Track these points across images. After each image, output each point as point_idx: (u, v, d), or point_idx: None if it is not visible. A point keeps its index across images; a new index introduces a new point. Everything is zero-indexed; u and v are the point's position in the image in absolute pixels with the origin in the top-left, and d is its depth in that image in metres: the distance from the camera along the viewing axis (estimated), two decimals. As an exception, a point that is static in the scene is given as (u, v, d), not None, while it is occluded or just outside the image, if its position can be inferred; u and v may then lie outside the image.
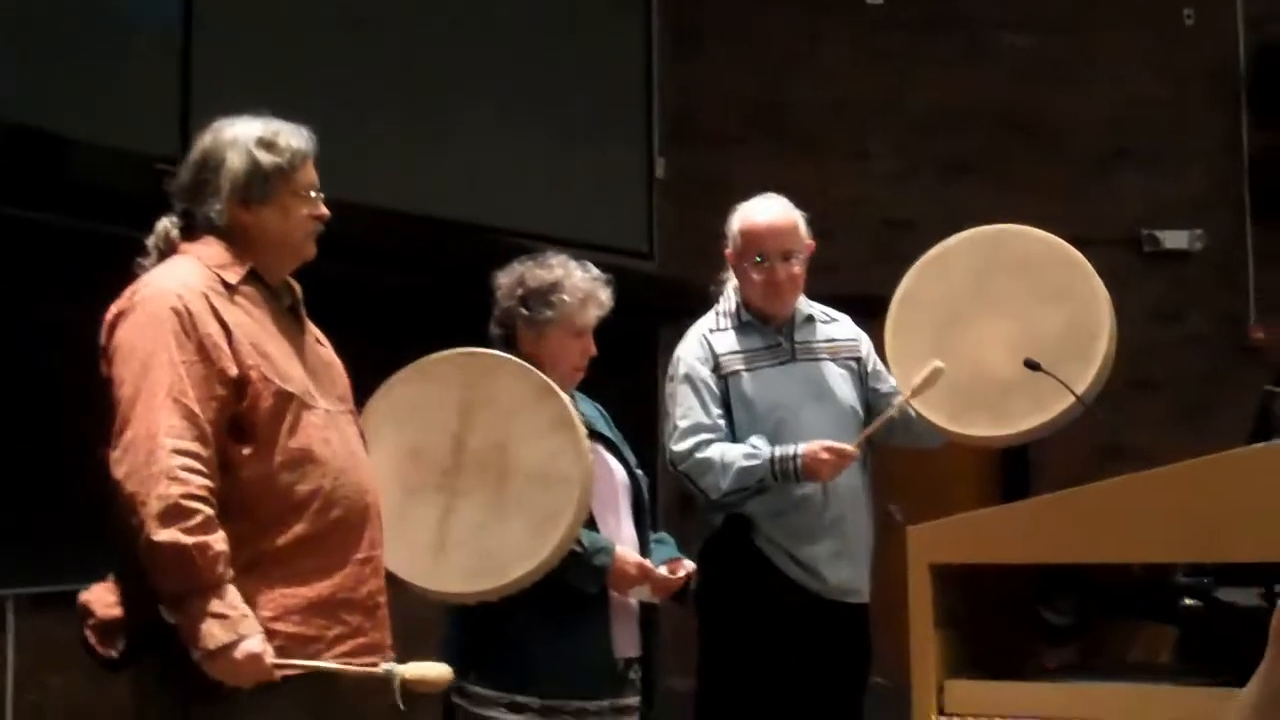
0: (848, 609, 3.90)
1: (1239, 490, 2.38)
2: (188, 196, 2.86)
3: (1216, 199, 7.78)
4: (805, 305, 4.06)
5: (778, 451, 3.77)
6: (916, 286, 3.84)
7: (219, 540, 2.57)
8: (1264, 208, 7.69)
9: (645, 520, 3.64)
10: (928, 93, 7.88)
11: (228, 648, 2.54)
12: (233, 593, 2.58)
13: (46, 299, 4.63)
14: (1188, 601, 2.66)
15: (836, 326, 4.09)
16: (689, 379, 3.92)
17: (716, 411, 3.88)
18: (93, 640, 2.68)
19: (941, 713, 2.51)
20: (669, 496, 6.00)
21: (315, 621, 2.72)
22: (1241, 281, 7.71)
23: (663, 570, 3.50)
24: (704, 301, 4.26)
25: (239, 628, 2.56)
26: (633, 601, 3.51)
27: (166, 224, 2.88)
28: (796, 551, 3.84)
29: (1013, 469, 7.50)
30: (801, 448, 3.74)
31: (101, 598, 2.71)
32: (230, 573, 2.58)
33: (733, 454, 3.80)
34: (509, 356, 3.33)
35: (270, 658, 2.59)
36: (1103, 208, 7.72)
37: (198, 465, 2.58)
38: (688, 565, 3.56)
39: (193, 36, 5.13)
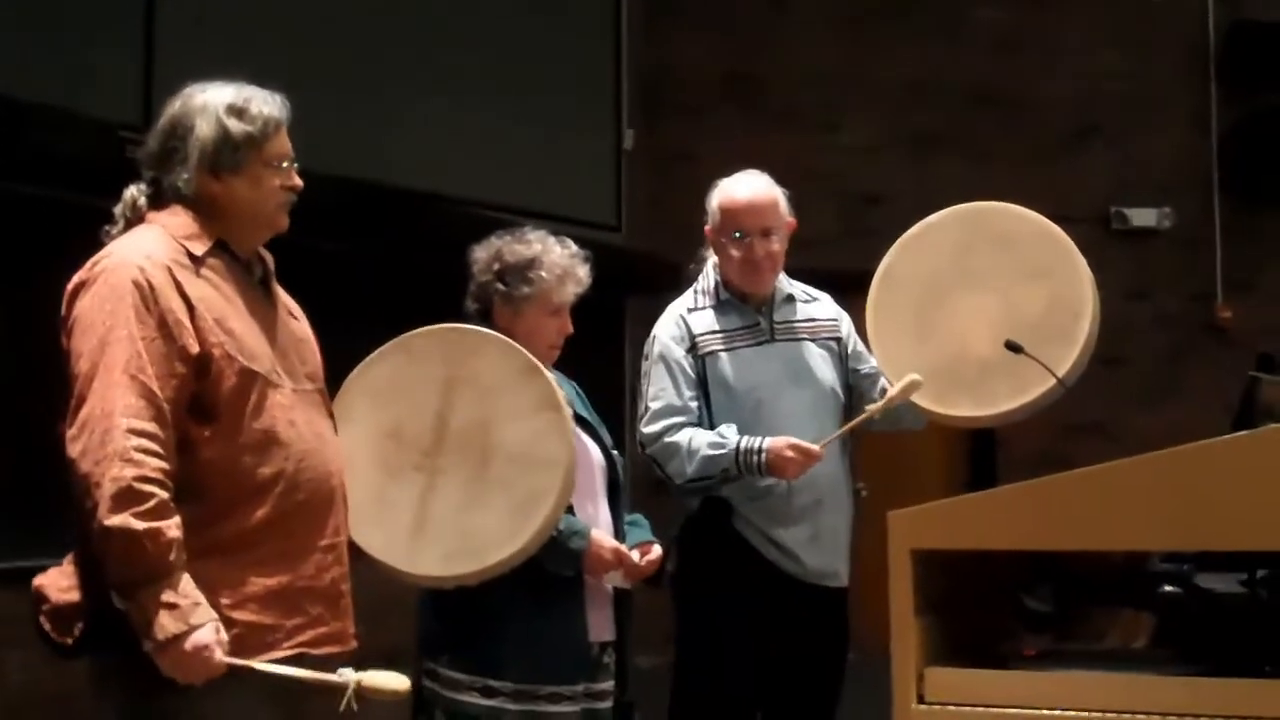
0: (826, 592, 3.85)
1: (1223, 478, 2.35)
2: (155, 164, 2.76)
3: (1185, 176, 7.79)
4: (786, 284, 3.99)
5: (744, 444, 3.70)
6: (898, 263, 3.78)
7: (172, 526, 2.48)
8: (1232, 185, 7.71)
9: (620, 502, 3.60)
10: (899, 67, 7.86)
11: (178, 639, 2.46)
12: (185, 581, 2.50)
13: (5, 269, 4.56)
14: (1167, 588, 2.64)
15: (817, 306, 4.02)
16: (663, 359, 3.86)
17: (689, 394, 3.83)
18: (47, 626, 2.59)
19: (921, 700, 2.48)
20: (641, 476, 5.96)
21: (275, 610, 2.65)
22: (1209, 259, 7.73)
23: (635, 554, 3.47)
24: (672, 275, 4.22)
25: (190, 617, 2.48)
26: (608, 585, 3.48)
27: (134, 192, 2.78)
28: (773, 534, 3.79)
29: (980, 445, 7.52)
30: (767, 443, 3.68)
31: (56, 582, 2.62)
32: (183, 559, 2.49)
33: (700, 441, 3.75)
34: (493, 333, 3.26)
35: (222, 652, 2.51)
36: (1072, 184, 7.72)
37: (154, 446, 2.50)
38: (657, 550, 3.52)
39: (156, 4, 5.06)
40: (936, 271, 3.70)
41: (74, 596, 2.58)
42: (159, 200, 2.76)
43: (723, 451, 3.71)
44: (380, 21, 6.10)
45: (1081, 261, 3.61)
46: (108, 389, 2.51)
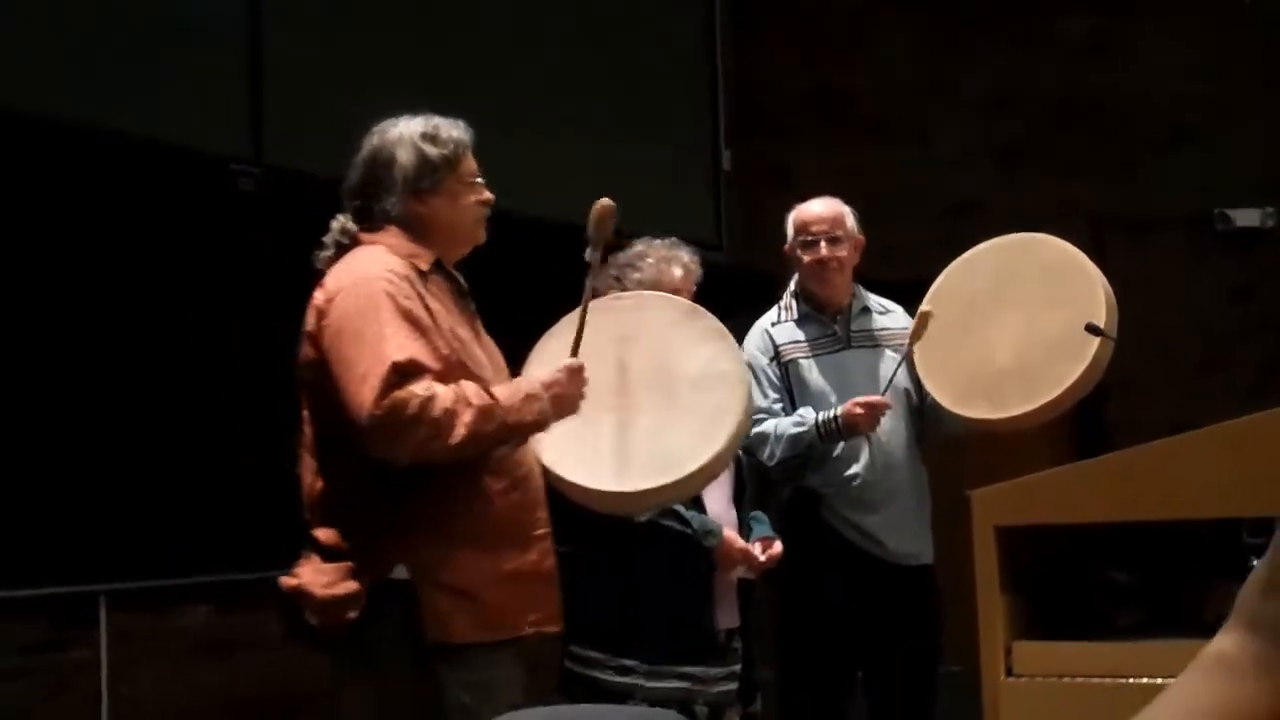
0: (910, 571, 4.26)
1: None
2: (361, 194, 3.07)
3: (1285, 174, 7.69)
4: (861, 296, 4.43)
5: (821, 417, 4.14)
6: (948, 281, 4.19)
7: (478, 394, 2.81)
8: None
9: (745, 500, 3.95)
10: (986, 76, 7.85)
11: (548, 407, 2.92)
12: (510, 391, 2.89)
13: (129, 299, 4.73)
14: (1255, 561, 2.67)
15: (890, 317, 4.45)
16: (750, 368, 4.19)
17: (773, 395, 4.28)
18: (315, 621, 2.87)
19: (1010, 674, 2.54)
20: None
21: (517, 593, 2.93)
22: (1316, 256, 7.61)
23: (757, 548, 3.80)
24: (772, 290, 4.50)
25: (539, 395, 2.91)
26: (732, 576, 3.79)
27: (343, 220, 3.07)
28: (856, 520, 4.20)
29: (1088, 451, 7.47)
30: (840, 408, 4.11)
31: (316, 579, 2.89)
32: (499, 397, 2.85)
33: (784, 425, 4.18)
34: (652, 291, 3.62)
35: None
36: (1170, 187, 7.65)
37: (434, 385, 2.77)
38: (778, 546, 3.85)
39: (262, 38, 5.21)
40: (978, 292, 4.12)
41: (341, 590, 2.84)
42: (370, 225, 3.05)
43: (804, 429, 4.15)
44: (479, 50, 6.21)
45: (1104, 293, 3.96)
46: (386, 372, 2.75)
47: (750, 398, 3.40)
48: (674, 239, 3.95)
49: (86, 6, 4.71)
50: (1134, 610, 2.76)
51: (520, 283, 5.52)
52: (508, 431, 2.87)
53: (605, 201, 3.24)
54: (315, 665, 4.97)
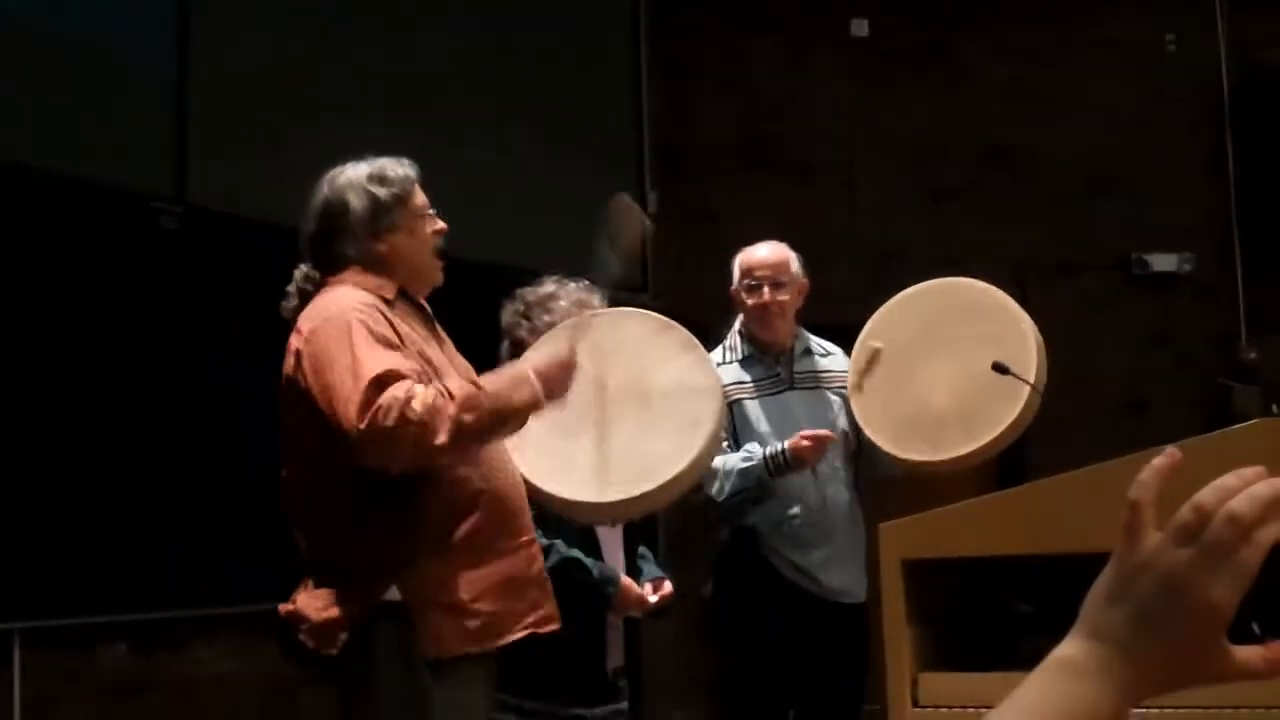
0: (844, 608, 4.33)
1: (1197, 477, 2.43)
2: (321, 242, 3.13)
3: (1204, 221, 7.85)
4: (803, 338, 4.52)
5: (768, 451, 4.20)
6: (876, 329, 4.28)
7: (454, 386, 2.85)
8: (1251, 229, 7.77)
9: (635, 536, 3.99)
10: (914, 122, 7.97)
11: (539, 392, 2.95)
12: (499, 379, 2.94)
13: (47, 335, 4.71)
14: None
15: (831, 359, 4.52)
16: None
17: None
18: (310, 643, 2.94)
19: (916, 704, 2.57)
20: (675, 524, 6.17)
21: (507, 599, 2.99)
22: (1231, 302, 7.77)
23: (648, 589, 3.87)
24: (699, 333, 4.55)
25: (527, 379, 2.94)
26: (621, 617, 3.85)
27: (305, 269, 3.14)
28: (795, 558, 4.28)
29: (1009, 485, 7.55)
30: (787, 442, 4.17)
31: (310, 604, 2.96)
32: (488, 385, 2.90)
33: (731, 461, 4.23)
34: (627, 308, 3.69)
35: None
36: (1091, 232, 7.80)
37: (414, 386, 2.80)
38: (668, 586, 3.92)
39: (188, 77, 5.22)
40: (908, 337, 4.20)
41: (334, 613, 2.92)
42: (333, 269, 3.11)
43: (753, 464, 4.22)
44: (404, 92, 6.25)
45: (1030, 331, 4.07)
46: (366, 388, 2.78)
47: (723, 408, 3.48)
48: (586, 282, 3.90)
49: (9, 43, 4.71)
50: (1037, 640, 2.80)
51: (452, 321, 5.53)
52: (498, 418, 2.90)
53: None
54: (234, 705, 4.94)
